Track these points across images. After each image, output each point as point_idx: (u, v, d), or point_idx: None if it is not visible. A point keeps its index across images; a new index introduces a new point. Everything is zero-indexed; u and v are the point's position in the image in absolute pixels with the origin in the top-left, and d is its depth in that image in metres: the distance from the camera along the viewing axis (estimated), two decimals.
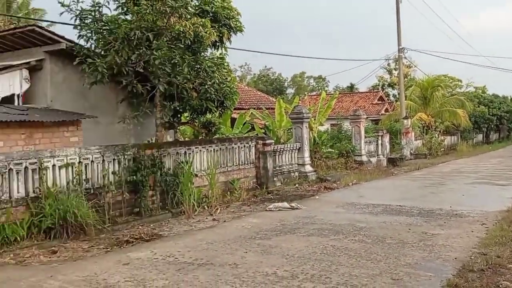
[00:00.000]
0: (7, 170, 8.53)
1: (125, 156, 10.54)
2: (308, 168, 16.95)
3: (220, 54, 13.56)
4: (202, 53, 12.81)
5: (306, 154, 16.98)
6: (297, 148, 16.68)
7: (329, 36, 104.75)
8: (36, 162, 8.94)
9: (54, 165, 9.25)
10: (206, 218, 10.70)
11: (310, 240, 8.28)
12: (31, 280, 6.38)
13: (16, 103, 11.52)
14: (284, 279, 6.17)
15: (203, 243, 8.24)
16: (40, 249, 8.03)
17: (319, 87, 68.22)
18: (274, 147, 15.46)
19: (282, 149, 16.03)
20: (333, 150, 20.09)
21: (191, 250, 7.76)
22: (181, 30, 11.28)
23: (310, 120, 18.35)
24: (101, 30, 11.38)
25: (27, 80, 11.75)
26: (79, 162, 9.66)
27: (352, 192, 14.20)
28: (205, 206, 11.55)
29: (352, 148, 20.64)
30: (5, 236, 8.07)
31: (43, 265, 7.21)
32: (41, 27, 11.61)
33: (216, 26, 12.70)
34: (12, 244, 8.09)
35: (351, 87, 56.98)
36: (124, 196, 10.40)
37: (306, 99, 40.17)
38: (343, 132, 23.44)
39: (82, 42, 11.64)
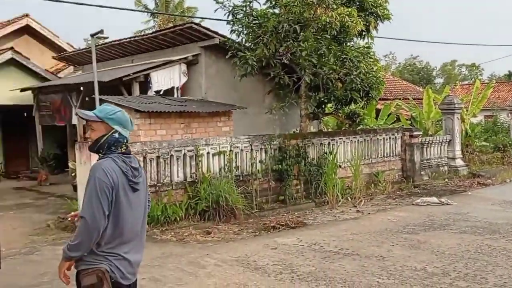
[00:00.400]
0: (169, 156, 9.41)
1: (272, 146, 10.92)
2: (459, 162, 15.92)
3: (366, 43, 13.32)
4: (348, 43, 12.71)
5: (457, 147, 15.95)
6: (447, 140, 15.75)
7: (484, 20, 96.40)
8: (193, 150, 9.70)
9: (208, 153, 9.95)
10: (350, 209, 10.66)
11: (462, 237, 7.82)
12: (191, 256, 6.99)
13: (175, 95, 12.61)
14: (434, 276, 5.93)
15: (348, 233, 8.24)
16: (196, 229, 8.73)
17: (472, 76, 63.18)
18: (421, 139, 14.80)
19: (430, 142, 15.26)
20: (488, 144, 18.61)
21: (336, 239, 7.82)
22: (328, 20, 11.31)
23: (462, 111, 17.17)
24: (251, 24, 11.90)
25: (185, 73, 12.79)
26: (230, 150, 10.25)
27: (510, 189, 13.03)
28: (348, 198, 11.51)
29: (510, 142, 18.89)
30: (167, 216, 8.90)
31: (199, 243, 7.85)
32: (197, 24, 12.49)
33: (363, 15, 12.48)
34: (172, 223, 8.91)
35: (510, 75, 51.89)
36: (270, 184, 10.80)
37: (457, 89, 37.54)
38: (499, 124, 21.57)
39: (233, 36, 12.32)
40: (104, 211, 2.82)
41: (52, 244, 8.04)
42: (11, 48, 16.16)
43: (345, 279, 5.85)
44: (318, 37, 11.56)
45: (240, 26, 11.99)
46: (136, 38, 14.15)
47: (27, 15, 18.75)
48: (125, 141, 3.05)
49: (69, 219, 3.39)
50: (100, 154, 3.03)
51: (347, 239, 7.87)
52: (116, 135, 3.00)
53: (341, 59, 11.89)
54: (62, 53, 17.81)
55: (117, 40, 14.08)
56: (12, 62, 16.03)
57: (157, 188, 9.21)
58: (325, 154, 11.81)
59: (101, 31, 10.45)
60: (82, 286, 2.84)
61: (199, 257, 6.91)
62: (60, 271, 2.93)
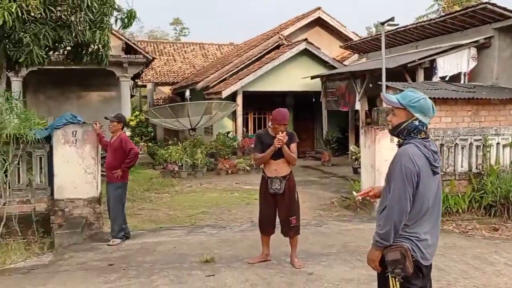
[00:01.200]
0: (453, 144, 9.04)
1: None
2: None
3: None
4: None
5: None
6: None
7: None
8: (480, 139, 9.09)
9: (498, 143, 9.19)
10: None
11: None
12: (476, 251, 6.64)
13: (461, 81, 11.98)
14: None
15: None
16: (481, 223, 8.21)
17: None
18: None
19: None
20: None
21: None
22: None
23: None
24: None
25: (474, 58, 12.00)
26: None
27: None
28: None
29: None
30: (448, 206, 8.60)
31: (485, 239, 7.37)
32: (492, 4, 11.50)
33: None
34: (454, 214, 8.57)
35: None
36: None
37: None
38: None
39: None
40: (410, 196, 2.93)
41: (337, 220, 8.73)
42: (305, 39, 17.88)
43: None
44: None
45: None
46: (422, 24, 13.89)
47: (319, 8, 20.39)
48: (424, 128, 3.07)
49: (359, 198, 3.56)
50: (400, 139, 3.16)
51: None
52: (416, 122, 3.04)
53: None
54: (348, 42, 18.78)
55: (402, 27, 14.08)
56: (305, 52, 17.74)
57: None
58: None
59: (392, 19, 10.59)
60: (386, 260, 2.99)
61: (486, 253, 6.51)
62: (374, 261, 3.05)
